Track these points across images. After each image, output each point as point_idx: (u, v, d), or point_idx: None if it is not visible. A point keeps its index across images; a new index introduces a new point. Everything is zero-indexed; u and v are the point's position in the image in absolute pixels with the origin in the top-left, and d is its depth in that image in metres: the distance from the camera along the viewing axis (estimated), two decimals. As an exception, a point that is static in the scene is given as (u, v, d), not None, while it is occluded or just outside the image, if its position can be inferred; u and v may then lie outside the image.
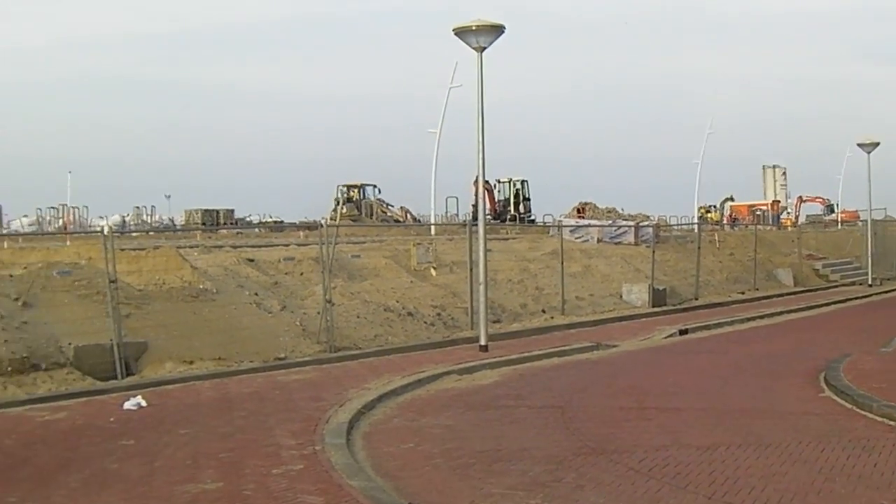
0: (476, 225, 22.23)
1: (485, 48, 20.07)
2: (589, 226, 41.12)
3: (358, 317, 22.18)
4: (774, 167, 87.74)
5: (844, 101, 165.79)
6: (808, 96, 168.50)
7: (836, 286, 40.85)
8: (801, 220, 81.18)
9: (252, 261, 24.87)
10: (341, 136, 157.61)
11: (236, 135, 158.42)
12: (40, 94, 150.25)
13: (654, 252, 32.64)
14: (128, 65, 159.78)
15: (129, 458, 11.18)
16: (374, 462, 11.16)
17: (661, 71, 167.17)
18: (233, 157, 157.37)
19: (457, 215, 64.14)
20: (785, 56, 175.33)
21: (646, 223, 43.28)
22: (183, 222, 66.76)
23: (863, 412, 13.61)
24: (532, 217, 61.93)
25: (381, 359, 19.45)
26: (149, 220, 69.22)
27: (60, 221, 64.94)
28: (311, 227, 35.80)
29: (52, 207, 68.59)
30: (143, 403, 14.39)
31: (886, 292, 38.07)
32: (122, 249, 22.33)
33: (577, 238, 37.69)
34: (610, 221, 44.77)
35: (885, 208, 62.56)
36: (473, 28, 19.81)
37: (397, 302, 23.83)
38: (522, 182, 63.81)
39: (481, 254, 20.76)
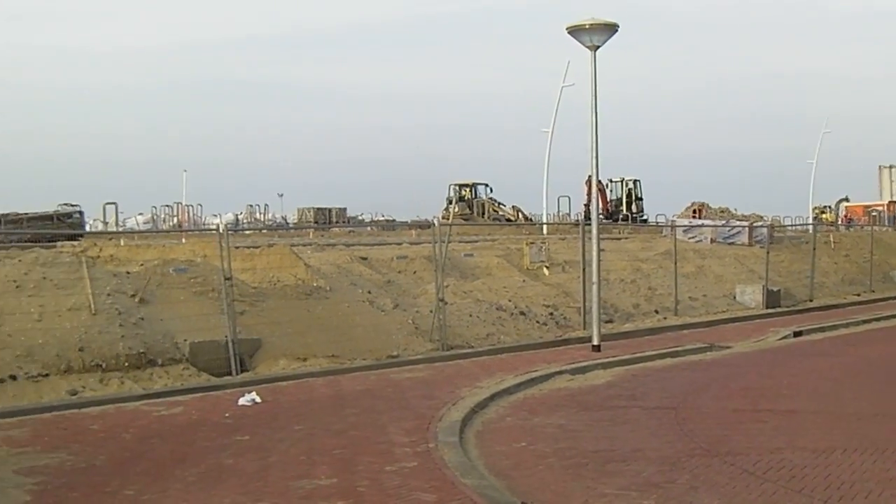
0: (589, 224, 22.09)
1: (598, 47, 19.88)
2: (702, 226, 40.56)
3: (470, 315, 22.20)
4: (891, 167, 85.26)
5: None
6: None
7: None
8: (918, 221, 78.93)
9: (365, 259, 25.07)
10: (453, 135, 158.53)
11: (349, 134, 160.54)
12: (157, 96, 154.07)
13: (768, 253, 32.11)
14: (241, 66, 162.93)
15: (244, 454, 11.30)
16: (487, 461, 11.12)
17: (776, 69, 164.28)
18: (345, 156, 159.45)
19: (568, 215, 64.05)
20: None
21: (760, 223, 42.57)
22: (296, 220, 67.76)
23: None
24: (644, 217, 61.62)
25: (493, 358, 19.40)
26: (262, 219, 70.04)
27: (175, 219, 65.71)
28: (423, 225, 36.03)
29: (167, 206, 69.35)
30: (258, 399, 14.54)
31: None
32: (237, 247, 22.57)
33: (690, 238, 37.25)
34: (723, 222, 44.14)
35: None
36: (587, 27, 19.63)
37: (509, 301, 23.80)
38: (635, 182, 63.59)
39: (594, 253, 20.59)
